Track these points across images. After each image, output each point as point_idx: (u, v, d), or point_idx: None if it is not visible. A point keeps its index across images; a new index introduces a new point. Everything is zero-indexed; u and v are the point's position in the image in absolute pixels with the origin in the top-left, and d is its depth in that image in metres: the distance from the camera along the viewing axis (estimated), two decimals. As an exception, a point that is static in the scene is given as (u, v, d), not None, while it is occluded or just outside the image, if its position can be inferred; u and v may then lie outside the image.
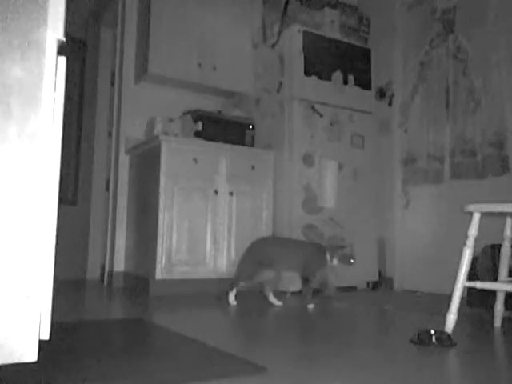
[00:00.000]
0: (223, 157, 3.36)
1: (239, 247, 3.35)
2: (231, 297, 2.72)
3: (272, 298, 2.75)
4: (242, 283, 2.75)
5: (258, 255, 2.73)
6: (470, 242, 1.93)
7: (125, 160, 3.71)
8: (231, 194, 3.35)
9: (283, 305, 2.73)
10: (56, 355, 1.47)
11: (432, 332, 1.77)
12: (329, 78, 3.58)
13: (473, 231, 1.93)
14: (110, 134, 4.11)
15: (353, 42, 3.81)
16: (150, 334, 1.91)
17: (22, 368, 1.26)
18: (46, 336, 1.13)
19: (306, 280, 2.69)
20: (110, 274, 3.63)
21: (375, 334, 2.03)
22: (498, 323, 2.18)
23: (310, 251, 2.72)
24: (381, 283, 3.79)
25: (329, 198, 3.50)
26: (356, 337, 1.94)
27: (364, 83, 3.75)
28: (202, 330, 1.97)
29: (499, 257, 2.20)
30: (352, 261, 2.66)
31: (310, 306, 2.66)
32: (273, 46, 3.67)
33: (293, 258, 2.71)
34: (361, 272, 3.64)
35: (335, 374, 1.38)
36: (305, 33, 3.52)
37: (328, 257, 2.66)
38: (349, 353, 1.64)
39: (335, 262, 2.66)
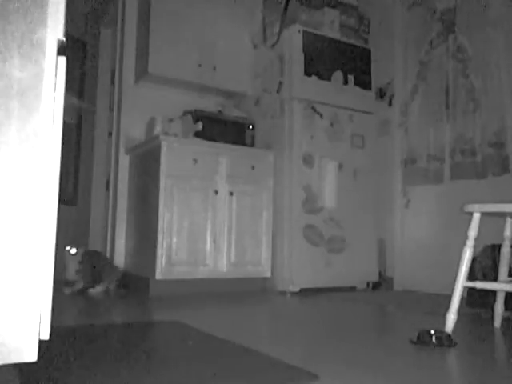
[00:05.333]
0: (223, 157, 3.36)
1: (239, 247, 3.36)
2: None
3: None
4: None
5: None
6: (470, 242, 1.93)
7: (125, 160, 3.71)
8: (231, 194, 3.35)
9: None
10: (56, 357, 1.47)
11: (432, 332, 1.77)
12: (329, 78, 3.58)
13: (473, 231, 1.92)
14: (110, 134, 4.11)
15: (353, 42, 3.81)
16: (187, 336, 1.91)
17: (22, 368, 1.26)
18: (46, 336, 1.13)
19: None
20: (110, 274, 3.62)
21: (375, 333, 2.03)
22: (498, 323, 2.18)
23: None
24: (381, 283, 3.79)
25: (329, 198, 3.50)
26: (356, 336, 1.94)
27: (364, 83, 3.75)
28: (205, 329, 1.97)
29: (499, 257, 2.20)
30: None
31: None
32: (273, 46, 3.67)
33: None
34: (361, 272, 3.64)
35: (334, 373, 1.37)
36: (305, 33, 3.52)
37: None
38: (348, 353, 1.64)
39: None
